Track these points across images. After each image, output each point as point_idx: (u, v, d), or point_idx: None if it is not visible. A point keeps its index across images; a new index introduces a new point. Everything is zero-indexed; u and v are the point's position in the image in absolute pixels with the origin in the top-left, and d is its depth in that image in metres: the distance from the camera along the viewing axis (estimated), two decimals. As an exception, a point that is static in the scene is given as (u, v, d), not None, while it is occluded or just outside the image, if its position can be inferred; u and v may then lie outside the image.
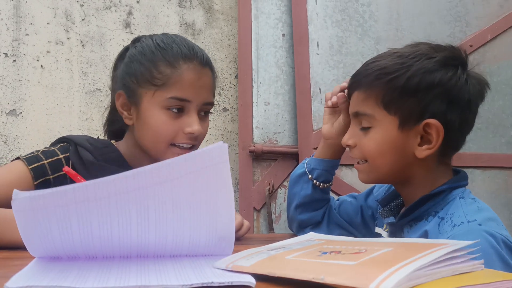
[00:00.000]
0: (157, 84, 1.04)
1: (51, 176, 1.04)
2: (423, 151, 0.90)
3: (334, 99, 1.08)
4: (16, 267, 0.58)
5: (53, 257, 0.67)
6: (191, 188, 0.64)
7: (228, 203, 0.67)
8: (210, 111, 1.15)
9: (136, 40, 1.14)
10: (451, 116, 0.89)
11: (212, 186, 0.65)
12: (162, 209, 0.64)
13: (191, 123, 1.06)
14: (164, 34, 1.13)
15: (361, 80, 0.96)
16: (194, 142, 1.09)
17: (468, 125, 0.95)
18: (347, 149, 1.03)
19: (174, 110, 1.05)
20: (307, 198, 1.20)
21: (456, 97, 0.89)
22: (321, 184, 1.18)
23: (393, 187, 1.10)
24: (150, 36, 1.13)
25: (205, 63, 1.09)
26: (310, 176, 1.18)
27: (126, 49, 1.15)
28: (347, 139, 0.99)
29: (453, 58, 0.92)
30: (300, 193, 1.20)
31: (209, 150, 0.63)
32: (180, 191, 0.64)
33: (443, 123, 0.89)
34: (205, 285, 0.51)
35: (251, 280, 0.53)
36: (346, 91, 1.05)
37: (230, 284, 0.52)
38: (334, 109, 1.13)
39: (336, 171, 1.22)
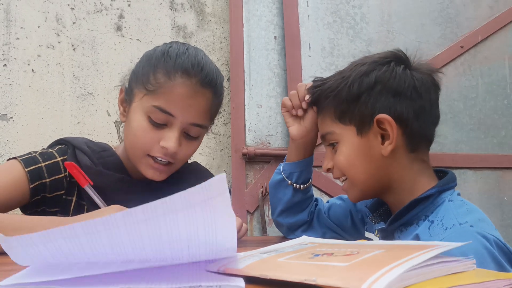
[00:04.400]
0: (149, 89, 1.02)
1: (48, 180, 1.03)
2: (386, 148, 0.93)
3: (308, 97, 1.09)
4: (6, 273, 0.58)
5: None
6: (188, 222, 0.63)
7: (229, 228, 0.65)
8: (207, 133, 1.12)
9: (166, 43, 1.11)
10: (401, 108, 0.92)
11: (211, 217, 0.64)
12: (157, 243, 0.62)
13: (168, 138, 1.01)
14: (186, 45, 1.09)
15: (317, 105, 1.04)
16: (170, 159, 1.04)
17: (427, 113, 0.95)
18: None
19: (157, 121, 1.01)
20: (290, 203, 1.21)
21: (398, 87, 0.92)
22: (302, 186, 1.19)
23: None
24: (176, 42, 1.10)
25: (207, 84, 1.03)
26: (289, 181, 1.19)
27: None
28: (325, 165, 1.02)
29: (385, 57, 0.96)
30: (283, 198, 1.21)
31: (208, 185, 0.60)
32: (176, 225, 0.62)
33: (395, 115, 0.91)
34: (192, 287, 0.51)
35: (241, 284, 0.52)
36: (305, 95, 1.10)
37: (218, 286, 0.52)
38: (292, 112, 1.16)
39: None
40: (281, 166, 1.22)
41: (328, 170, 1.02)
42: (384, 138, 0.93)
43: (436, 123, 0.98)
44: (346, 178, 0.99)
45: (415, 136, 0.94)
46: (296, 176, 1.18)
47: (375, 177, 0.96)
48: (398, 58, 0.96)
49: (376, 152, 0.94)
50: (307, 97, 1.09)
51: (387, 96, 0.92)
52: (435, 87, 0.97)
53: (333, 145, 0.99)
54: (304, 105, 1.11)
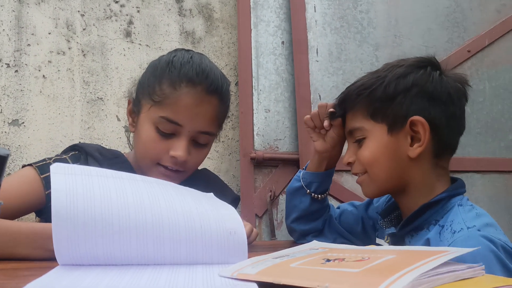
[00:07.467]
0: (155, 100, 1.04)
1: None
2: (415, 150, 0.94)
3: (326, 123, 1.11)
4: (25, 278, 0.59)
5: (74, 265, 0.67)
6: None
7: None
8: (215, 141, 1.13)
9: (170, 52, 1.13)
10: (435, 112, 0.93)
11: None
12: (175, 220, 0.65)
13: (177, 148, 1.03)
14: (190, 52, 1.10)
15: (346, 103, 1.03)
16: (180, 168, 1.06)
17: (457, 121, 0.97)
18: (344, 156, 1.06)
19: (165, 131, 1.03)
20: (306, 211, 1.21)
21: (434, 92, 0.94)
22: (320, 196, 1.20)
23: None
24: (181, 50, 1.12)
25: (212, 91, 1.05)
26: (308, 190, 1.19)
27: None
28: (347, 158, 1.03)
29: (422, 61, 0.98)
30: (299, 206, 1.21)
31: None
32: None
33: (429, 119, 0.93)
34: (207, 293, 0.52)
35: None
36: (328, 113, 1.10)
37: (232, 292, 0.53)
38: (315, 130, 1.17)
39: (337, 177, 1.23)
40: (300, 173, 1.22)
41: (349, 163, 1.03)
42: (413, 140, 0.95)
43: (462, 132, 1.00)
44: (365, 173, 1.00)
45: (442, 143, 0.96)
46: (316, 186, 1.19)
47: (395, 177, 0.97)
48: (433, 64, 0.98)
49: (403, 152, 0.95)
50: (326, 123, 1.11)
51: (422, 99, 0.93)
52: (465, 97, 0.99)
53: (359, 141, 1.00)
54: (325, 128, 1.12)
